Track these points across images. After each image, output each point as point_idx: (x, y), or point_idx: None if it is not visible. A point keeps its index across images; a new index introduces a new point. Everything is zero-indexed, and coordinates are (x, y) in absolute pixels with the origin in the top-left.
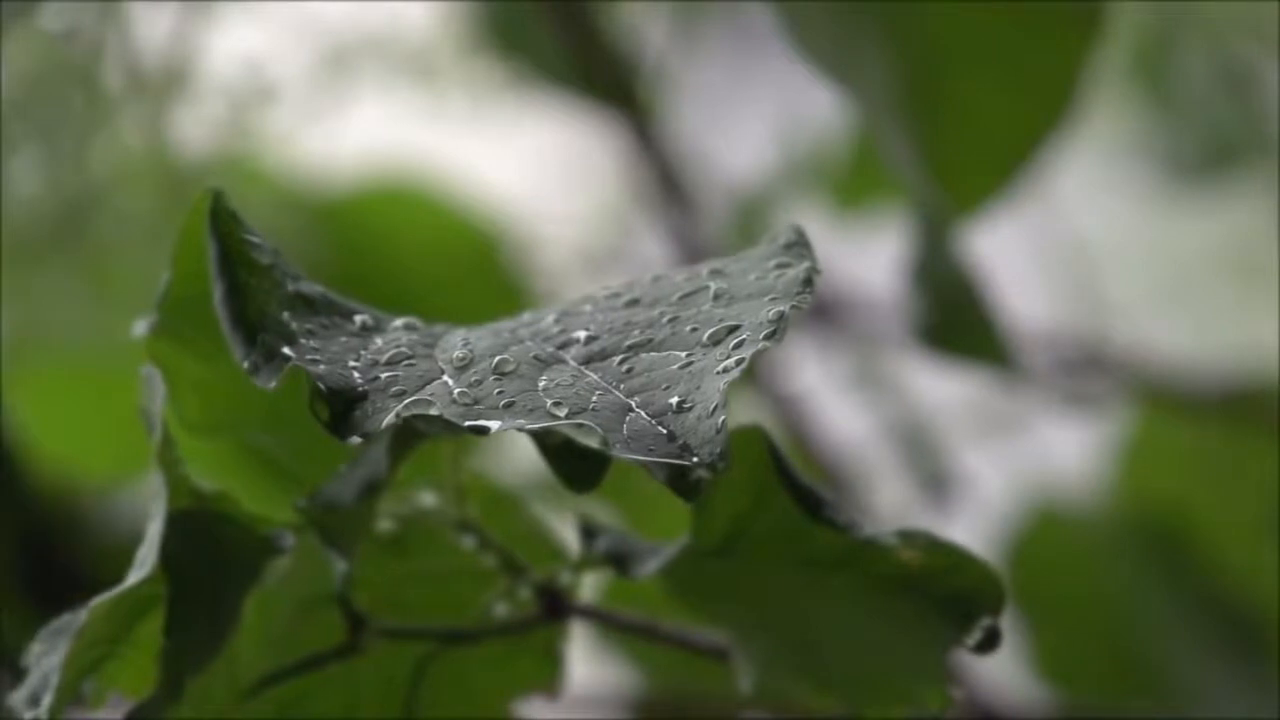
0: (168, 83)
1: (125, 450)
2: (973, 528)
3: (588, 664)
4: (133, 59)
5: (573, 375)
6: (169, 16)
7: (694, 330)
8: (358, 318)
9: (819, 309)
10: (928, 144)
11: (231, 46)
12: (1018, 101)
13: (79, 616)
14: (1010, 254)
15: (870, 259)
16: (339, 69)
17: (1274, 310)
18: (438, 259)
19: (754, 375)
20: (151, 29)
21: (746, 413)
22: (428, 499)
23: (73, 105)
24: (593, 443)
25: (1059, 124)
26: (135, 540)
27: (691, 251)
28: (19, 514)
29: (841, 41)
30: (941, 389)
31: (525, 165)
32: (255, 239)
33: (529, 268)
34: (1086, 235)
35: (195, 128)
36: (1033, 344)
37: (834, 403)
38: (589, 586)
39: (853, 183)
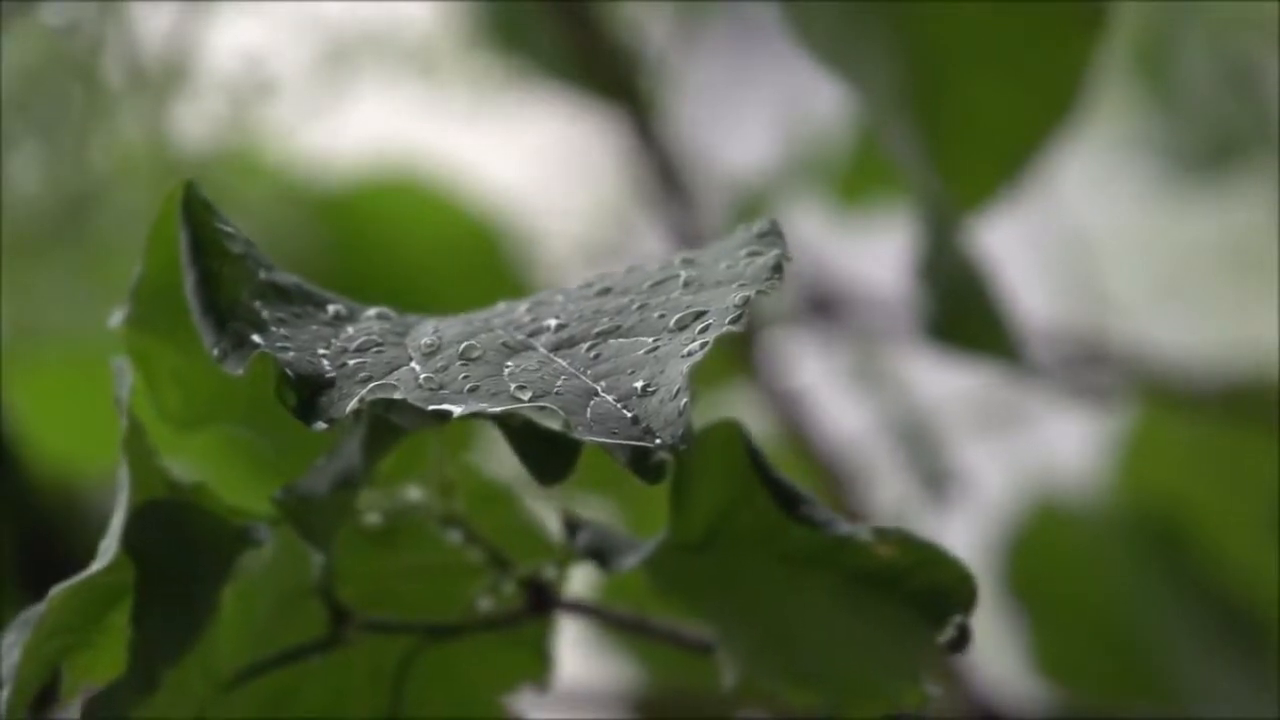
0: (168, 78)
1: None
2: (972, 523)
3: (588, 660)
4: (133, 54)
5: (539, 361)
6: (169, 12)
7: (661, 316)
8: (331, 307)
9: (820, 304)
10: (931, 140)
11: (232, 41)
12: (1021, 98)
13: (41, 606)
14: (1011, 249)
15: (871, 255)
16: (340, 64)
17: (1275, 306)
18: (439, 253)
19: (754, 371)
20: (152, 24)
21: (746, 409)
22: (414, 493)
23: (73, 101)
24: (555, 425)
25: (1062, 121)
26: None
27: (691, 247)
28: (19, 507)
29: (845, 38)
30: (941, 384)
31: (526, 161)
32: (228, 228)
33: (530, 262)
34: (1088, 231)
35: (196, 123)
36: (1034, 339)
37: (834, 398)
38: (590, 583)
39: (854, 178)
